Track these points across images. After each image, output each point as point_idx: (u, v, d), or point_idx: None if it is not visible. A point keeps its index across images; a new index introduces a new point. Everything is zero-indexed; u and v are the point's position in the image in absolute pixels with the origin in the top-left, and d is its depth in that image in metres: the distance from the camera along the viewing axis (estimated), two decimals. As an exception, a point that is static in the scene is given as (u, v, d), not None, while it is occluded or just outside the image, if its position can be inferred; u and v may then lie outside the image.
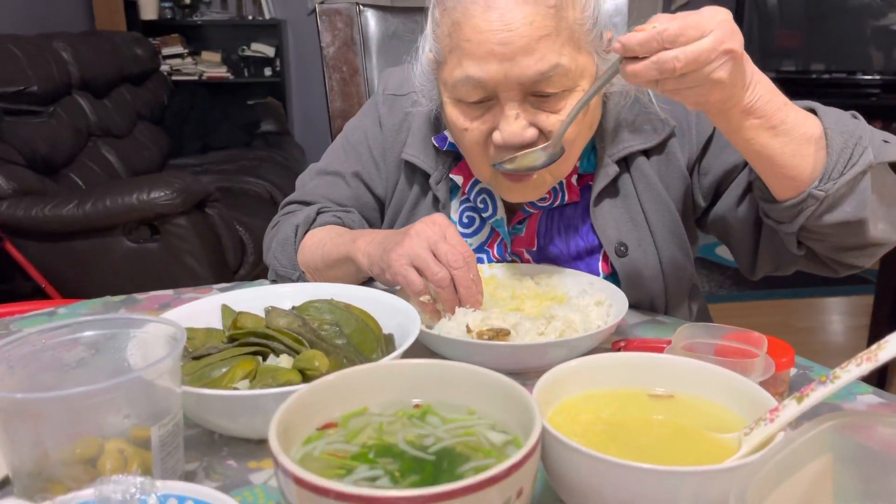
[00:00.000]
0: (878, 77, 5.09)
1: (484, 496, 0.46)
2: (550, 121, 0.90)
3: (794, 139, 0.81)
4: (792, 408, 0.53)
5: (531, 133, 0.89)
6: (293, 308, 0.85)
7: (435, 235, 0.86)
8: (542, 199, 1.03)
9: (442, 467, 0.53)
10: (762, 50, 5.29)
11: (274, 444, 0.50)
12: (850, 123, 0.85)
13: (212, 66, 4.93)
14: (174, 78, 4.69)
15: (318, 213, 1.09)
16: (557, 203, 1.04)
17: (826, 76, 5.20)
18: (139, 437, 0.59)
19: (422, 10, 0.99)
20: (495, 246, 1.08)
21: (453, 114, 0.94)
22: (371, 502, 0.45)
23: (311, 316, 0.83)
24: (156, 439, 0.58)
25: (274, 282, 1.09)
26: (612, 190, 1.02)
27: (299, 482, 0.47)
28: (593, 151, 1.03)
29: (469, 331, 0.85)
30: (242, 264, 2.89)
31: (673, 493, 0.51)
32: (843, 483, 0.54)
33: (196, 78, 4.84)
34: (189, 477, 0.65)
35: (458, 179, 1.07)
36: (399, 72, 1.15)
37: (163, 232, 2.52)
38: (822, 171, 0.82)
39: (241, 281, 1.24)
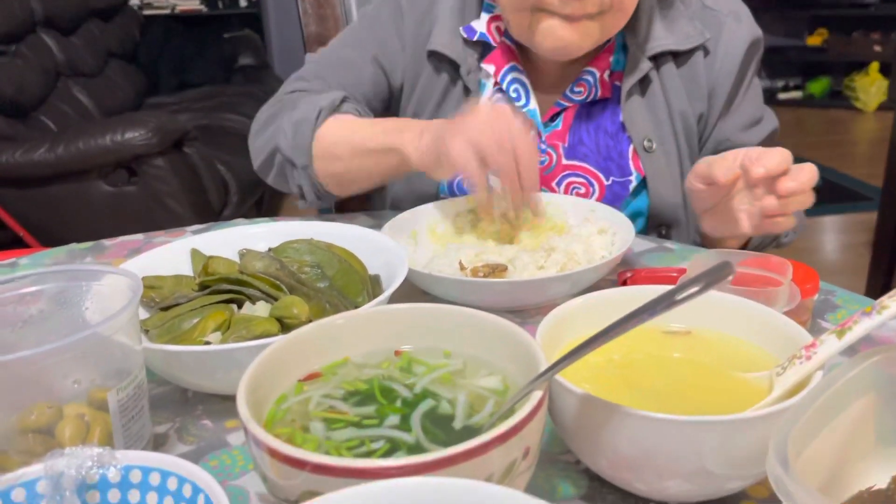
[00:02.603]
0: (875, -14, 4.91)
1: (483, 462, 0.40)
2: None
3: None
4: (832, 343, 0.46)
5: None
6: (269, 250, 0.78)
7: (500, 125, 0.79)
8: (577, 93, 1.00)
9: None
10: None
11: (244, 411, 0.43)
12: None
13: (184, -3, 4.71)
14: (145, 12, 4.47)
15: (342, 101, 0.98)
16: (592, 97, 1.01)
17: (822, -14, 5.02)
18: (100, 398, 0.53)
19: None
20: None
21: None
22: (358, 474, 0.39)
23: (289, 258, 0.76)
24: (114, 405, 0.52)
25: (257, 214, 1.02)
26: (641, 87, 1.00)
27: (274, 454, 0.41)
28: (625, 49, 1.00)
29: (462, 268, 0.78)
30: (227, 205, 2.80)
31: (698, 444, 0.45)
32: (887, 422, 0.48)
33: (168, 11, 4.62)
34: (159, 441, 0.59)
35: (490, 68, 1.01)
36: None
37: (140, 174, 2.43)
38: None
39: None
